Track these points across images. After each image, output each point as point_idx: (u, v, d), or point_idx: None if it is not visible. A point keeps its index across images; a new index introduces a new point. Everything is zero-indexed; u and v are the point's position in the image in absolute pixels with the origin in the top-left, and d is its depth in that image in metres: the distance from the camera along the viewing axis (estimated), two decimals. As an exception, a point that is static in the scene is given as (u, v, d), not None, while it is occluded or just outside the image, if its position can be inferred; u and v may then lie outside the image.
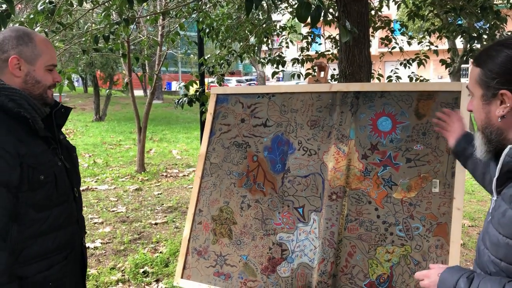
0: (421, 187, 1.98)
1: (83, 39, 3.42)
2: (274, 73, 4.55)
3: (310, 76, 2.45)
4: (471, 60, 1.24)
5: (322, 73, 2.36)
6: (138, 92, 23.69)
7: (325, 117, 2.26)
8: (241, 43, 5.14)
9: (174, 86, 32.91)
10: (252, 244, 2.26)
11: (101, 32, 3.01)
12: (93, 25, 3.72)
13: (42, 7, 2.84)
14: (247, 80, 34.18)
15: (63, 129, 1.80)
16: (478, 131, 1.22)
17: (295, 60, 5.11)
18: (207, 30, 4.98)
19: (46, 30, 2.93)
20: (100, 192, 6.66)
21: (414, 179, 2.00)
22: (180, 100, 3.93)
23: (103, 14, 3.07)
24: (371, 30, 5.30)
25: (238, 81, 32.89)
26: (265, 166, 2.35)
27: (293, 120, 2.34)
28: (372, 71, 5.43)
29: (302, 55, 5.17)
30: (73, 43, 3.67)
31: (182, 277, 2.36)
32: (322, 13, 1.66)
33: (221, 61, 4.52)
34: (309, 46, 5.16)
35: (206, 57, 4.79)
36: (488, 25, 3.90)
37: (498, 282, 1.07)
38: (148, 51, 10.99)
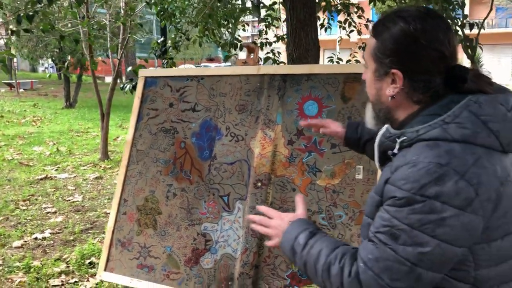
0: (345, 174, 1.89)
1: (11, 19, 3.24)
2: (227, 57, 4.41)
3: (239, 59, 2.34)
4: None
5: (252, 55, 2.25)
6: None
7: (253, 101, 2.15)
8: (198, 27, 4.97)
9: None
10: (177, 234, 2.16)
11: (29, 10, 2.83)
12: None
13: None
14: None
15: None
16: (370, 103, 1.13)
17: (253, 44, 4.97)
18: (162, 13, 4.80)
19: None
20: (59, 181, 6.45)
21: (338, 165, 1.91)
22: (125, 85, 3.78)
23: (31, -8, 2.90)
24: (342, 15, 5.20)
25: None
26: (192, 153, 2.24)
27: (221, 104, 2.22)
28: (331, 55, 5.35)
29: (260, 39, 5.04)
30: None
31: (105, 270, 2.25)
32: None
33: (169, 45, 4.36)
34: (268, 29, 5.04)
35: (159, 41, 4.62)
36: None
37: (334, 242, 1.05)
38: (117, 37, 10.60)
